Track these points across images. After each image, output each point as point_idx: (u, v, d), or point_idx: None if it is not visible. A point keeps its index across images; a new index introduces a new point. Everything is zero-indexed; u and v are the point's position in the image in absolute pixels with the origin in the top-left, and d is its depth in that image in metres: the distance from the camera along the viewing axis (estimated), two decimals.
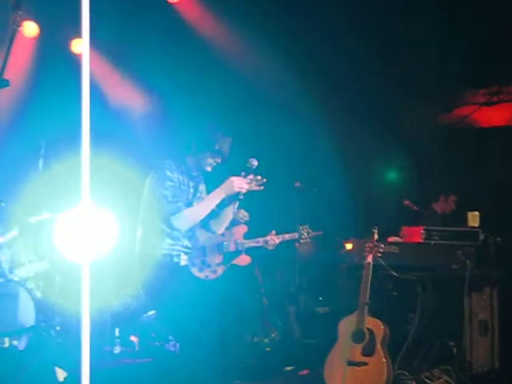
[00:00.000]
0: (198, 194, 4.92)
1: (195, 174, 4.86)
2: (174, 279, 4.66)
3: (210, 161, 4.75)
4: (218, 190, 4.71)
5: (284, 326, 7.41)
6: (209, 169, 4.80)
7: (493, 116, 8.15)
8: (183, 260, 4.78)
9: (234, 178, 4.65)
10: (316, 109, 7.59)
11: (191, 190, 4.84)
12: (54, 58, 7.63)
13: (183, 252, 4.79)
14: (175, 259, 4.73)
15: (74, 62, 7.36)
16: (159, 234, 4.66)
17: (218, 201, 4.69)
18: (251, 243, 5.29)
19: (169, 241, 4.69)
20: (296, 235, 5.34)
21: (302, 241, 5.38)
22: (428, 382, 5.97)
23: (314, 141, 7.80)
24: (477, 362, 6.35)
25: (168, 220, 4.59)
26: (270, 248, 5.31)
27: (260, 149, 6.02)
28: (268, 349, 7.01)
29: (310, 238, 5.35)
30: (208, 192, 4.91)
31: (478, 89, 8.11)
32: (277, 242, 5.28)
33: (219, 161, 4.79)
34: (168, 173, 4.63)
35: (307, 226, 5.35)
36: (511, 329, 6.74)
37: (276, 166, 7.66)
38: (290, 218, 6.60)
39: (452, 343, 6.30)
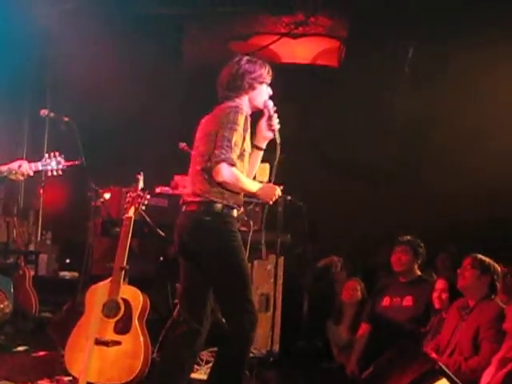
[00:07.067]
0: None
1: None
2: None
3: None
4: None
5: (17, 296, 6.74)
6: None
7: (295, 50, 7.38)
8: None
9: None
10: None
11: None
12: None
13: None
14: None
15: None
16: None
17: None
18: None
19: None
20: (50, 163, 4.82)
21: (55, 173, 4.83)
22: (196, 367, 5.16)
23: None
24: (255, 343, 5.42)
25: None
26: (21, 179, 4.84)
27: None
28: None
29: (63, 169, 4.83)
30: None
31: (281, 16, 7.31)
32: (29, 170, 4.74)
33: None
34: None
35: (58, 153, 4.84)
36: (294, 305, 5.96)
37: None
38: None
39: None
